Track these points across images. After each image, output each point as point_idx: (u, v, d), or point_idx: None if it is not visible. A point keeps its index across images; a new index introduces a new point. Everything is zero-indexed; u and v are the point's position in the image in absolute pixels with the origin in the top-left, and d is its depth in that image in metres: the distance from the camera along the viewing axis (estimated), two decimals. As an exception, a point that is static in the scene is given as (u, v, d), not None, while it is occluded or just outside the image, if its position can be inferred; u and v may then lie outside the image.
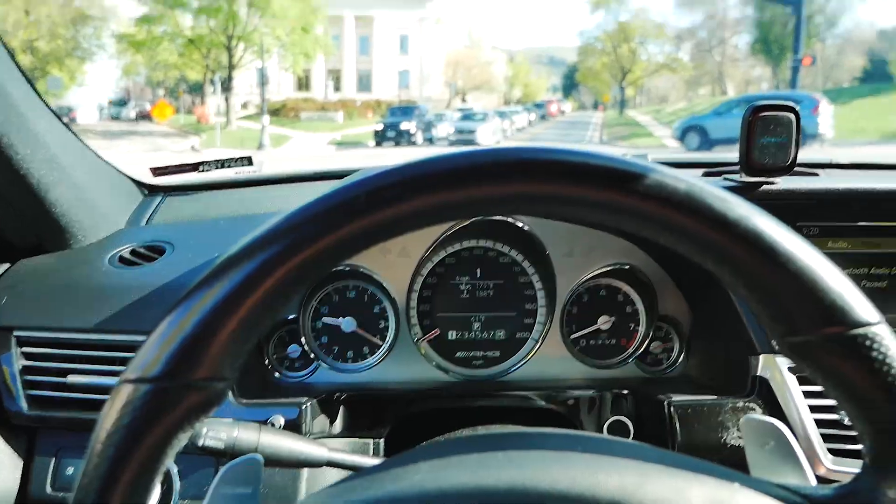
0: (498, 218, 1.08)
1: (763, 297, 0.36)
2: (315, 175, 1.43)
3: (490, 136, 23.96)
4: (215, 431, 0.69)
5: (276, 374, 1.11)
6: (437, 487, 0.36)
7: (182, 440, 0.37)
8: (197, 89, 40.78)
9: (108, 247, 1.10)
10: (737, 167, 1.05)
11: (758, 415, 0.51)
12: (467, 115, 26.79)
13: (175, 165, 1.34)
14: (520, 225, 1.09)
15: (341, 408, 1.06)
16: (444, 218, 0.37)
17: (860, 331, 0.34)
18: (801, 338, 0.36)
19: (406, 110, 26.21)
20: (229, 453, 0.69)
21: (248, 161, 1.38)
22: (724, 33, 45.48)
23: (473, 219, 1.05)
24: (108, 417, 0.36)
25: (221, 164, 1.37)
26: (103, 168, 1.21)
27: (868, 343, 0.34)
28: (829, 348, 0.35)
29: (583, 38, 48.16)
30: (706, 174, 1.12)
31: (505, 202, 0.36)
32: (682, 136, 18.39)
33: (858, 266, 1.01)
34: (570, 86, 69.50)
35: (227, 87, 31.08)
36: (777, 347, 0.39)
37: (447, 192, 0.36)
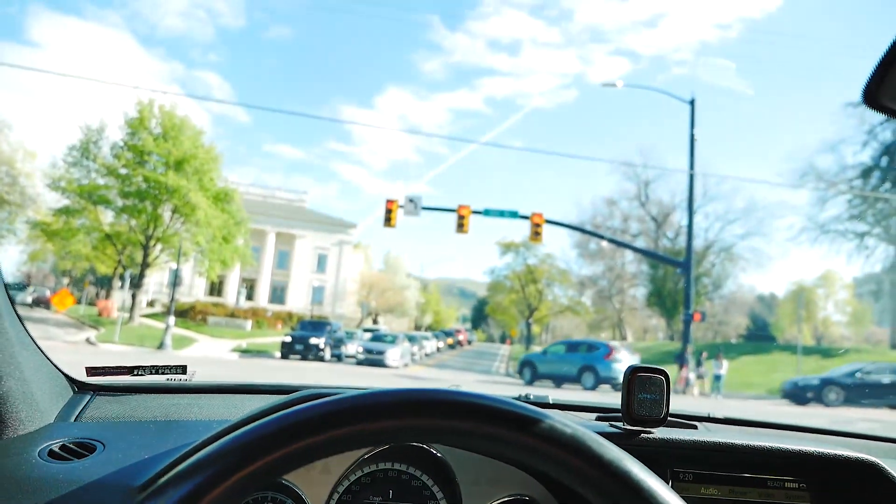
0: (414, 445, 1.19)
1: None
2: (243, 388, 1.52)
3: (399, 359, 24.12)
4: None
5: None
6: None
7: None
8: (104, 282, 39.89)
9: (37, 441, 1.13)
10: (619, 414, 1.24)
11: None
12: (378, 336, 27.10)
13: (111, 367, 1.40)
14: (433, 451, 1.21)
15: None
16: (394, 440, 0.47)
17: None
18: None
19: (317, 325, 26.29)
20: None
21: (183, 370, 1.46)
22: (622, 284, 49.77)
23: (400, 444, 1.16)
24: None
25: (156, 370, 1.44)
26: (43, 361, 1.27)
27: None
28: None
29: (493, 276, 51.35)
30: (599, 418, 1.30)
31: (438, 433, 0.46)
32: (520, 369, 22.07)
33: None
34: (479, 317, 72.41)
35: (136, 283, 30.56)
36: None
37: (404, 419, 0.46)
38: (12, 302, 1.15)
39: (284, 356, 23.25)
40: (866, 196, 37.45)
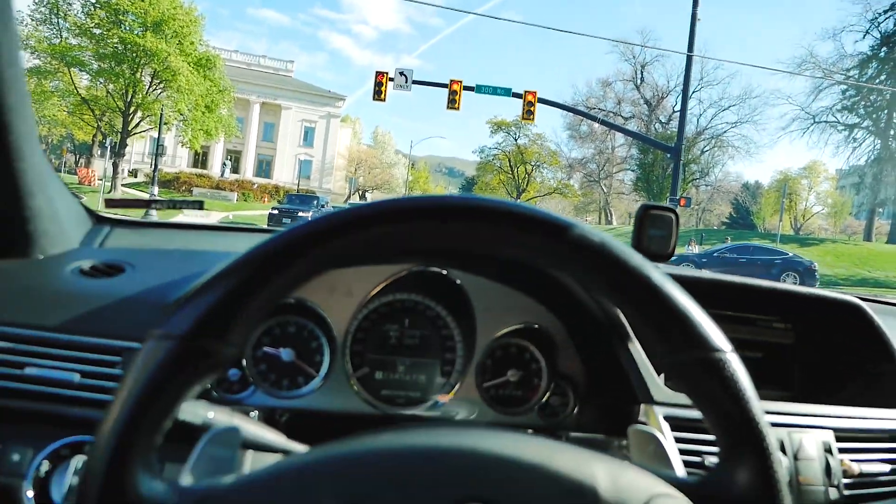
0: (434, 271, 1.25)
1: (651, 324, 0.51)
2: (262, 229, 1.56)
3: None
4: (192, 408, 0.79)
5: (215, 394, 1.19)
6: (396, 445, 0.46)
7: (192, 394, 0.47)
8: (84, 150, 39.12)
9: (68, 260, 1.17)
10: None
11: (642, 427, 0.69)
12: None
13: (128, 199, 1.43)
14: (452, 279, 1.27)
15: (282, 429, 1.16)
16: (427, 243, 0.49)
17: (716, 355, 0.50)
18: (676, 357, 0.50)
19: (305, 199, 26.28)
20: (204, 430, 0.79)
21: (199, 205, 1.49)
22: (611, 168, 49.74)
23: (426, 264, 1.22)
24: (136, 365, 0.45)
25: (173, 203, 1.47)
26: (64, 190, 1.29)
27: (722, 365, 0.50)
28: (695, 366, 0.50)
29: (482, 155, 50.93)
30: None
31: (473, 239, 0.49)
32: None
33: None
34: (465, 197, 72.52)
35: (117, 151, 29.97)
36: (659, 366, 0.54)
37: (442, 219, 0.49)
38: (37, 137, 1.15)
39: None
40: (861, 86, 36.89)
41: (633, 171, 48.56)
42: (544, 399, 1.30)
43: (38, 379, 0.99)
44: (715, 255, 21.53)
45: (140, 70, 28.78)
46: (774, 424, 1.15)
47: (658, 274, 0.50)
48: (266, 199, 36.87)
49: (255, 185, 40.22)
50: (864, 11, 37.52)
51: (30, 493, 0.97)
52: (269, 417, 1.16)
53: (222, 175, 43.51)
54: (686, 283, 1.17)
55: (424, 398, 1.27)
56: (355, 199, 46.58)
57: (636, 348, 1.15)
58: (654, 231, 1.15)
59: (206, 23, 30.61)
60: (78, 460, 1.00)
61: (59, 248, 1.21)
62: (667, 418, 1.09)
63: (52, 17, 28.71)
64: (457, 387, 1.27)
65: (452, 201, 0.48)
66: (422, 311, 1.29)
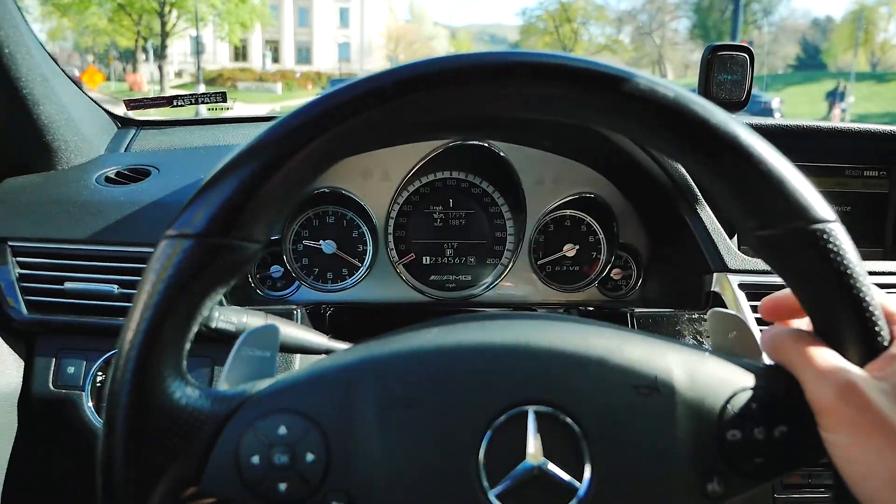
0: (475, 144, 1.14)
1: (738, 194, 0.42)
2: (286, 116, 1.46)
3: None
4: (226, 315, 0.74)
5: (259, 293, 1.15)
6: (446, 342, 0.42)
7: (217, 295, 0.42)
8: (128, 56, 39.15)
9: (93, 168, 1.12)
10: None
11: (723, 309, 0.59)
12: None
13: (150, 99, 1.35)
14: (496, 151, 1.16)
15: (327, 323, 1.13)
16: (451, 111, 0.41)
17: (819, 226, 0.40)
18: (769, 231, 0.41)
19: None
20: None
21: (223, 97, 1.40)
22: (663, 17, 46.58)
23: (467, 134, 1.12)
24: (151, 269, 0.40)
25: (196, 99, 1.38)
26: (81, 95, 1.22)
27: (825, 237, 0.40)
28: (792, 240, 0.41)
29: (525, 18, 48.44)
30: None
31: (522, 98, 0.41)
32: None
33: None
34: (511, 64, 69.88)
35: (160, 54, 29.90)
36: (747, 239, 0.44)
37: (454, 87, 0.40)
38: (43, 46, 1.07)
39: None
40: None
41: (688, 17, 45.38)
42: (605, 273, 1.22)
43: (79, 293, 0.97)
44: None
45: (169, -33, 28.05)
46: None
47: (747, 132, 0.41)
48: (310, 87, 36.43)
49: (298, 74, 39.66)
50: None
51: (90, 404, 0.98)
52: (315, 312, 1.12)
53: (264, 66, 42.98)
54: (767, 131, 1.04)
55: (476, 281, 1.21)
56: (400, 79, 45.41)
57: (706, 212, 1.03)
58: (724, 75, 0.99)
59: None
60: None
61: (83, 156, 1.16)
62: (742, 287, 1.00)
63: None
64: (510, 266, 1.20)
65: (493, 59, 0.40)
66: (466, 188, 1.20)
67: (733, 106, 1.01)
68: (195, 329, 0.42)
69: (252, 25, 32.39)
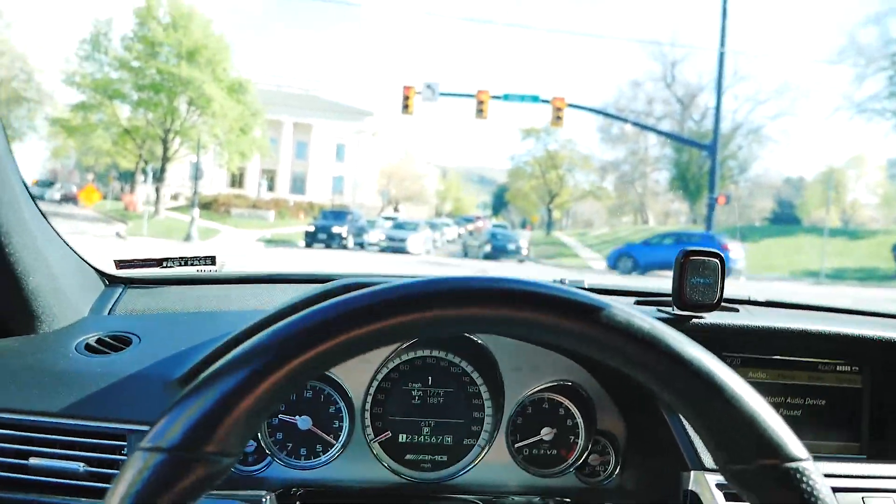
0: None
1: (711, 427, 0.42)
2: (273, 277, 1.49)
3: (421, 246, 24.42)
4: None
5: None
6: None
7: None
8: (128, 177, 40.22)
9: (74, 334, 1.12)
10: (666, 297, 1.19)
11: None
12: (399, 224, 27.32)
13: (139, 260, 1.37)
14: (474, 339, 1.18)
15: None
16: (432, 332, 0.43)
17: (792, 465, 0.41)
18: (741, 466, 0.42)
19: (339, 214, 26.47)
20: None
21: (212, 261, 1.43)
22: (645, 168, 49.00)
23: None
24: (121, 482, 0.39)
25: (185, 261, 1.41)
26: (70, 255, 1.24)
27: (799, 476, 0.40)
28: (765, 478, 0.41)
29: (513, 162, 50.64)
30: (638, 302, 1.26)
31: (494, 323, 0.43)
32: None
33: (775, 396, 1.14)
34: (499, 204, 72.32)
35: (158, 177, 30.79)
36: (719, 471, 0.44)
37: (439, 309, 0.42)
38: (33, 198, 1.11)
39: (308, 245, 23.65)
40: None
41: (667, 170, 47.76)
42: (582, 458, 1.20)
43: (43, 470, 0.93)
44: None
45: (177, 98, 29.61)
46: (842, 489, 1.04)
47: (721, 367, 0.42)
48: (302, 216, 37.26)
49: (291, 203, 40.70)
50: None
51: None
52: (284, 494, 1.08)
53: (258, 194, 44.17)
54: (736, 334, 1.07)
55: (452, 461, 1.19)
56: (388, 212, 46.79)
57: None
58: (697, 279, 1.04)
59: (237, 49, 31.31)
60: None
61: (65, 319, 1.16)
62: (720, 487, 0.98)
63: (95, 52, 29.84)
64: (487, 448, 1.18)
65: (479, 286, 0.43)
66: (445, 367, 1.21)
67: (705, 308, 1.05)
68: None
69: (251, 156, 33.68)
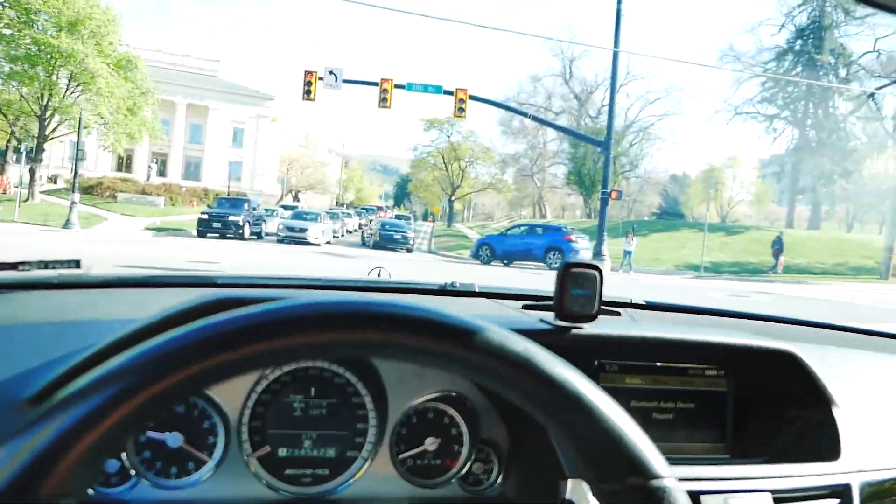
0: None
1: (580, 447, 0.44)
2: (146, 281, 1.40)
3: (321, 236, 23.99)
4: None
5: (90, 490, 1.03)
6: None
7: None
8: (-3, 157, 37.07)
9: None
10: (550, 304, 1.21)
11: None
12: (299, 214, 26.67)
13: (-10, 262, 1.25)
14: None
15: None
16: (300, 358, 0.42)
17: (656, 483, 0.43)
18: (608, 485, 0.44)
19: (235, 202, 25.46)
20: None
21: (76, 264, 1.32)
22: (543, 163, 50.47)
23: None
24: None
25: (45, 265, 1.30)
26: None
27: (661, 494, 0.42)
28: (630, 495, 0.43)
29: (416, 153, 50.70)
30: (526, 306, 1.27)
31: (366, 348, 0.43)
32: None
33: (649, 400, 1.19)
34: (402, 195, 72.34)
35: (34, 157, 28.51)
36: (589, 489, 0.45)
37: (337, 332, 0.41)
38: None
39: (201, 234, 22.63)
40: (778, 79, 38.57)
41: (564, 164, 49.43)
42: (466, 467, 1.20)
43: None
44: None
45: (56, 72, 27.43)
46: (707, 492, 1.09)
47: (590, 388, 0.44)
48: (195, 203, 35.72)
49: (184, 189, 38.92)
50: (779, 5, 39.27)
51: None
52: None
53: (148, 179, 41.95)
54: (614, 342, 1.10)
55: (334, 475, 1.15)
56: (288, 200, 45.74)
57: None
58: (576, 291, 1.06)
59: (127, 21, 29.46)
60: None
61: None
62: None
63: (-43, 15, 27.06)
64: (369, 460, 1.16)
65: (351, 309, 0.42)
66: (328, 378, 1.17)
67: (585, 318, 1.08)
68: None
69: (140, 138, 31.82)
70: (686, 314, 1.65)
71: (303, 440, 1.15)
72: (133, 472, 1.06)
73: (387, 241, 25.75)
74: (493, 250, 22.85)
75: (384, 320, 0.41)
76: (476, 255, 23.39)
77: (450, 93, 20.96)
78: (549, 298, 1.26)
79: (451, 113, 21.99)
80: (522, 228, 24.76)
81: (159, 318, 0.95)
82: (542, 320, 1.17)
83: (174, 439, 1.07)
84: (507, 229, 26.33)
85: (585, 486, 1.02)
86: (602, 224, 22.20)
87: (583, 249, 21.66)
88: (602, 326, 1.15)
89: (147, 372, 0.38)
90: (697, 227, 31.27)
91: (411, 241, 26.49)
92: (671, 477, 0.43)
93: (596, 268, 1.07)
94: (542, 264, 21.22)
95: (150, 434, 1.07)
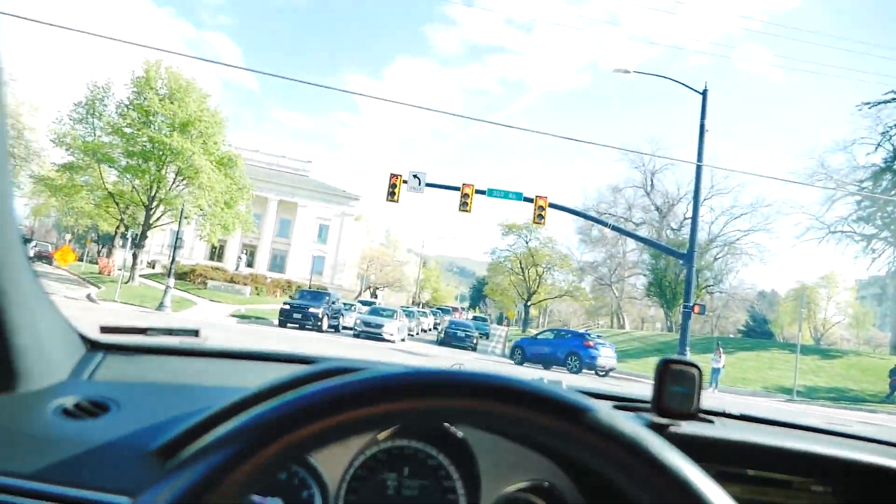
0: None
1: None
2: (255, 354, 1.49)
3: (396, 333, 24.20)
4: None
5: None
6: None
7: None
8: (106, 240, 39.98)
9: (52, 396, 1.10)
10: (643, 403, 1.21)
11: None
12: (376, 310, 27.08)
13: (124, 327, 1.37)
14: (453, 432, 1.18)
15: None
16: (421, 422, 0.47)
17: None
18: None
19: (316, 295, 26.23)
20: None
21: (195, 333, 1.43)
22: (622, 272, 49.82)
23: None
24: None
25: (169, 331, 1.41)
26: (57, 316, 1.24)
27: None
28: None
29: (493, 256, 51.18)
30: (618, 407, 1.27)
31: (484, 417, 0.44)
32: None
33: None
34: (477, 297, 72.54)
35: (138, 243, 30.62)
36: None
37: (458, 400, 0.43)
38: (27, 256, 1.12)
39: (282, 324, 23.30)
40: (876, 198, 37.20)
41: (644, 275, 48.56)
42: None
43: None
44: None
45: (165, 167, 29.86)
46: None
47: (696, 474, 0.44)
48: (279, 294, 37.01)
49: (269, 280, 40.50)
50: (874, 125, 38.35)
51: None
52: None
53: (237, 268, 44.01)
54: (713, 445, 1.09)
55: None
56: (366, 296, 46.66)
57: None
58: (675, 388, 1.06)
59: (230, 124, 32.02)
60: None
61: (45, 381, 1.14)
62: None
63: (88, 116, 30.22)
64: None
65: (469, 380, 0.44)
66: (422, 459, 1.20)
67: (683, 416, 1.07)
68: None
69: (234, 230, 33.73)
70: (784, 427, 1.59)
71: None
72: None
73: (451, 338, 27.95)
74: (525, 352, 24.06)
75: (506, 393, 0.43)
76: (511, 356, 24.59)
77: (530, 200, 21.32)
78: (640, 401, 1.26)
79: (531, 219, 22.28)
80: (550, 334, 26.14)
81: (283, 381, 1.02)
82: (638, 416, 1.17)
83: (274, 504, 1.12)
84: (538, 334, 27.80)
85: None
86: (684, 338, 21.42)
87: (602, 357, 22.29)
88: (701, 429, 1.14)
89: (277, 426, 0.41)
90: (788, 348, 29.62)
91: (475, 341, 28.43)
92: None
93: (695, 366, 1.07)
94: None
95: (255, 498, 1.12)
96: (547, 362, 22.91)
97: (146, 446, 1.03)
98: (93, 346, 1.36)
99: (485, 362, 20.03)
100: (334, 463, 1.15)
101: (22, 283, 1.04)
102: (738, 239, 44.99)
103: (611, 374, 22.64)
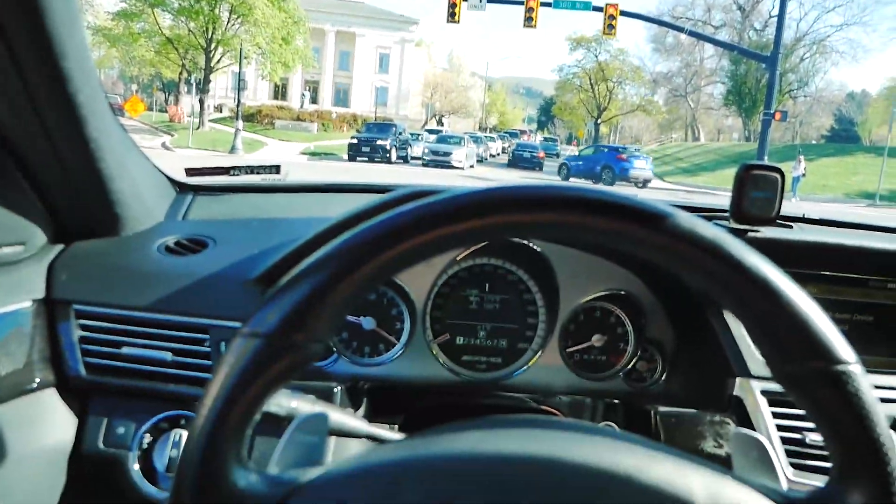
0: (514, 240, 1.21)
1: (766, 331, 0.45)
2: (335, 187, 1.55)
3: (465, 160, 24.23)
4: (276, 399, 0.79)
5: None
6: (488, 449, 0.45)
7: (280, 388, 0.47)
8: (171, 88, 40.50)
9: (153, 236, 1.20)
10: (722, 213, 1.21)
11: (746, 430, 0.64)
12: (443, 138, 26.98)
13: (208, 168, 1.44)
14: (532, 246, 1.22)
15: (364, 399, 1.18)
16: (508, 236, 0.47)
17: (839, 367, 0.43)
18: (791, 367, 0.45)
19: (383, 127, 26.19)
20: (288, 420, 0.80)
21: (276, 169, 1.49)
22: (699, 81, 47.02)
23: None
24: (224, 363, 0.46)
25: (251, 169, 1.47)
26: (145, 163, 1.31)
27: (845, 378, 0.43)
28: (813, 378, 0.44)
29: (561, 74, 48.95)
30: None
31: (568, 229, 0.46)
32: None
33: (825, 311, 1.16)
34: (545, 118, 70.78)
35: (202, 88, 30.86)
36: (771, 372, 0.46)
37: (516, 214, 0.45)
38: (120, 123, 1.17)
39: (352, 158, 23.61)
40: None
41: (723, 83, 45.76)
42: (630, 364, 1.25)
43: (135, 358, 1.04)
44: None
45: (218, 6, 29.13)
46: (886, 400, 1.07)
47: (778, 275, 0.45)
48: (345, 129, 37.18)
49: (334, 115, 40.54)
50: None
51: (136, 466, 1.03)
52: (352, 387, 1.18)
53: (301, 106, 44.05)
54: (791, 248, 1.09)
55: (506, 364, 1.25)
56: (432, 125, 46.31)
57: (732, 318, 1.08)
58: (756, 193, 1.05)
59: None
60: (176, 433, 1.06)
61: (145, 223, 1.24)
62: (765, 393, 1.03)
63: (134, -43, 29.29)
64: (539, 352, 1.24)
65: (553, 193, 0.45)
66: (502, 275, 1.26)
67: (763, 222, 1.07)
68: (257, 418, 0.47)
69: (294, 66, 33.32)
70: (864, 230, 1.56)
71: (478, 331, 1.26)
72: (335, 349, 1.22)
73: (518, 159, 29.23)
74: (570, 169, 25.04)
75: (590, 204, 0.44)
76: (558, 173, 25.34)
77: (599, 9, 19.92)
78: (718, 210, 1.25)
79: (600, 31, 20.96)
80: (592, 149, 27.23)
81: (369, 206, 1.07)
82: (716, 223, 1.17)
83: (368, 323, 1.22)
84: (582, 150, 29.30)
85: (753, 384, 1.04)
86: (763, 147, 20.55)
87: (634, 169, 22.51)
88: (779, 233, 1.14)
89: (383, 240, 0.45)
90: (875, 152, 27.97)
91: (542, 161, 29.60)
92: (856, 363, 0.44)
93: (778, 170, 1.05)
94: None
95: (349, 318, 1.22)
96: (587, 176, 23.60)
97: (246, 276, 1.13)
98: (181, 188, 1.44)
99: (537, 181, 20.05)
100: (420, 282, 1.23)
101: (111, 131, 1.10)
102: (828, 36, 41.06)
103: (648, 185, 22.93)
